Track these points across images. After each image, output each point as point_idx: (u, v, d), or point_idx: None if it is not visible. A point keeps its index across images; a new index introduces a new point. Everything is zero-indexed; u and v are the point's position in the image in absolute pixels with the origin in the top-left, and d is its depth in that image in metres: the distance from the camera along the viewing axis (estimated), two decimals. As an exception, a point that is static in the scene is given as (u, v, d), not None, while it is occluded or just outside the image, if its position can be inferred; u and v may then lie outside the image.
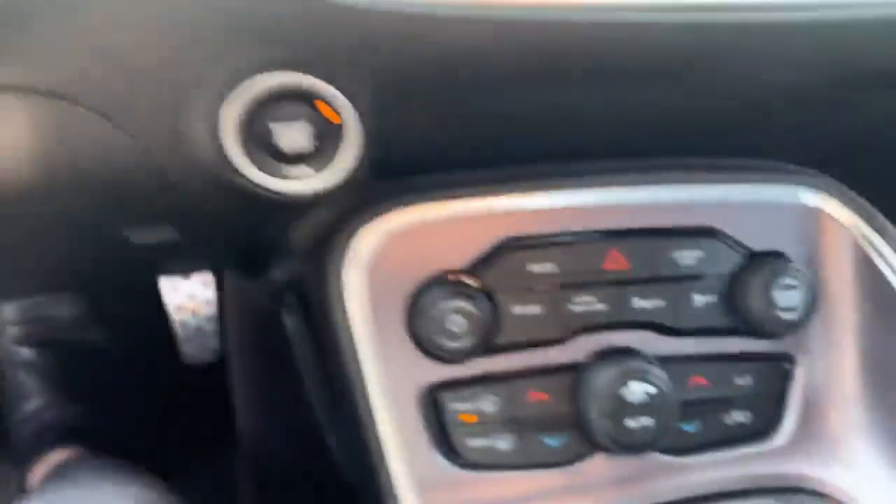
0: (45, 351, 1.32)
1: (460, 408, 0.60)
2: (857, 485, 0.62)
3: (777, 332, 0.61)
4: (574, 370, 0.61)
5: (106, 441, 1.31)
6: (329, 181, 0.51)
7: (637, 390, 0.58)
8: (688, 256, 0.62)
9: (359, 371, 0.59)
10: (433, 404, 0.60)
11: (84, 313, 1.37)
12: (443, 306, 0.57)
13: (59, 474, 1.13)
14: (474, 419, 0.60)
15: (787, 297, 0.61)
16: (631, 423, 0.58)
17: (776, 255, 0.62)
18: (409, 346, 0.58)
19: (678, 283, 0.62)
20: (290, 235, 0.65)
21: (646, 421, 0.58)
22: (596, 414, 0.58)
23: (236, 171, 0.50)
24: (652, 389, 0.58)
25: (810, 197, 0.63)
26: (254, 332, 1.10)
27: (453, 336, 0.57)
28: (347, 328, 0.59)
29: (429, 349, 0.57)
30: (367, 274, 0.58)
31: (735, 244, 0.62)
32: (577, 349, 0.61)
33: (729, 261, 0.62)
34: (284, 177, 0.51)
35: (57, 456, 1.20)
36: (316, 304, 0.62)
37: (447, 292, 0.57)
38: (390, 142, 0.52)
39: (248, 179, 0.50)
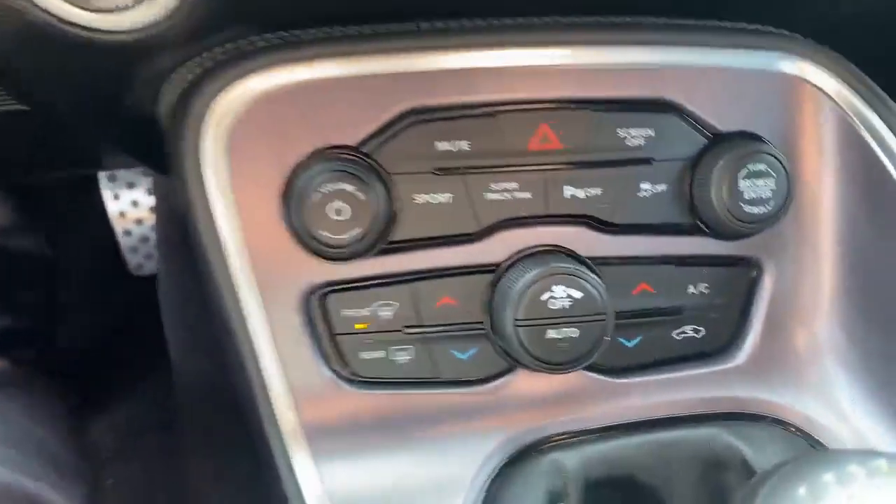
0: (-26, 257, 1.22)
1: (351, 314, 0.50)
2: (825, 414, 0.52)
3: (742, 230, 0.50)
4: (489, 272, 0.50)
5: (38, 353, 1.24)
6: (151, 13, 0.39)
7: (562, 295, 0.47)
8: (635, 135, 0.50)
9: (224, 268, 0.48)
10: (320, 309, 0.50)
11: (13, 218, 1.27)
12: (324, 189, 0.46)
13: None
14: (367, 327, 0.50)
15: (757, 187, 0.49)
16: (553, 333, 0.48)
17: (745, 136, 0.50)
18: (286, 238, 0.47)
19: (622, 168, 0.50)
20: (158, 106, 0.54)
21: (571, 332, 0.48)
22: (511, 323, 0.48)
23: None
24: (579, 294, 0.47)
25: (788, 63, 0.50)
26: (175, 238, 1.00)
27: (337, 227, 0.46)
28: (208, 215, 0.48)
29: (309, 243, 0.47)
30: (230, 147, 0.47)
31: (695, 121, 0.50)
32: (494, 247, 0.50)
33: (687, 142, 0.50)
34: (95, 7, 0.39)
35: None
36: (178, 189, 0.51)
37: (330, 172, 0.46)
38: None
39: (45, 11, 0.38)
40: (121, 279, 1.43)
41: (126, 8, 0.39)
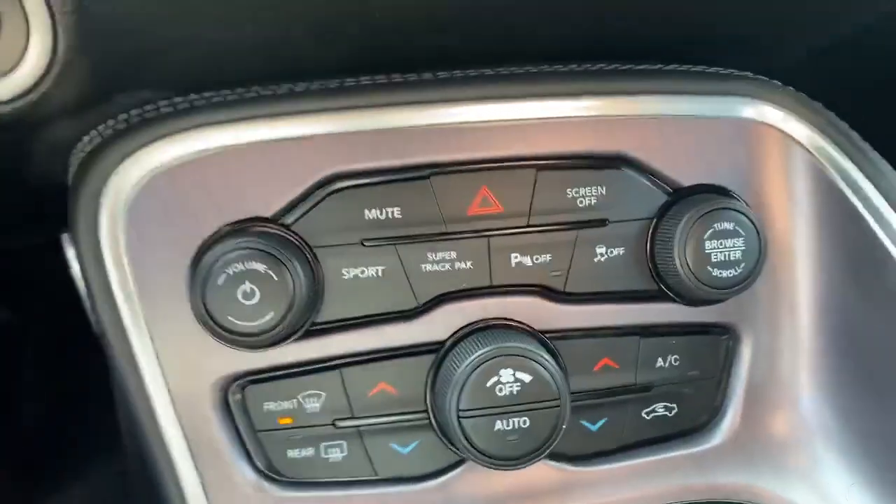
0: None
1: (273, 407, 0.44)
2: (814, 500, 0.46)
3: (711, 296, 0.45)
4: (431, 352, 0.45)
5: (4, 427, 1.17)
6: (16, 84, 0.34)
7: (509, 380, 0.42)
8: (586, 195, 0.45)
9: (129, 358, 0.43)
10: (239, 403, 0.44)
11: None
12: (231, 270, 0.40)
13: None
14: (293, 422, 0.44)
15: (725, 249, 0.44)
16: (501, 425, 0.42)
17: (709, 190, 0.45)
18: (193, 325, 0.42)
19: (573, 232, 0.45)
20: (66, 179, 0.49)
21: (522, 422, 0.42)
22: (455, 413, 0.42)
23: None
24: (528, 377, 0.41)
25: (750, 108, 0.45)
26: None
27: (247, 312, 0.41)
28: (109, 299, 0.43)
29: (216, 332, 0.41)
30: (130, 224, 0.41)
31: (654, 176, 0.45)
32: (435, 324, 0.44)
33: (644, 199, 0.45)
34: (-49, 82, 0.34)
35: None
36: (81, 272, 0.45)
37: (238, 251, 0.41)
38: (106, 21, 0.34)
39: None
40: (86, 343, 1.37)
41: (-14, 80, 0.34)
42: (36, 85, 0.35)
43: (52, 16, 0.33)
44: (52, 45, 0.34)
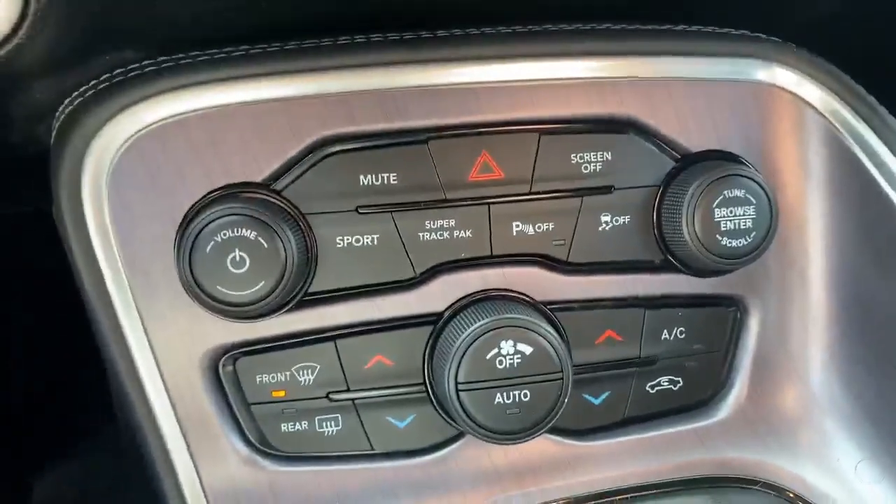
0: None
1: (266, 380, 0.42)
2: (824, 478, 0.44)
3: (720, 266, 0.43)
4: (429, 323, 0.43)
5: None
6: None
7: (510, 352, 0.40)
8: (592, 160, 0.43)
9: (116, 331, 0.41)
10: (231, 375, 0.42)
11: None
12: (221, 237, 0.39)
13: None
14: (286, 394, 0.43)
15: (735, 217, 0.42)
16: (501, 398, 0.40)
17: (719, 156, 0.44)
18: (181, 295, 0.40)
19: (577, 199, 0.43)
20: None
21: (523, 395, 0.40)
22: (453, 386, 0.40)
23: None
24: (529, 349, 0.40)
25: (763, 70, 0.43)
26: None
27: (237, 281, 0.39)
28: (93, 267, 0.41)
29: (204, 301, 0.39)
30: (113, 188, 0.39)
31: (660, 141, 0.43)
32: (433, 294, 0.43)
33: (652, 165, 0.43)
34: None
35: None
36: (62, 237, 0.44)
37: (228, 216, 0.39)
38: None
39: None
40: (78, 322, 1.35)
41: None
42: (6, 38, 0.33)
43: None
44: (25, -4, 0.32)
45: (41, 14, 0.33)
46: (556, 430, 0.45)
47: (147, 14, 0.36)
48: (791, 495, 0.45)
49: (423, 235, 0.42)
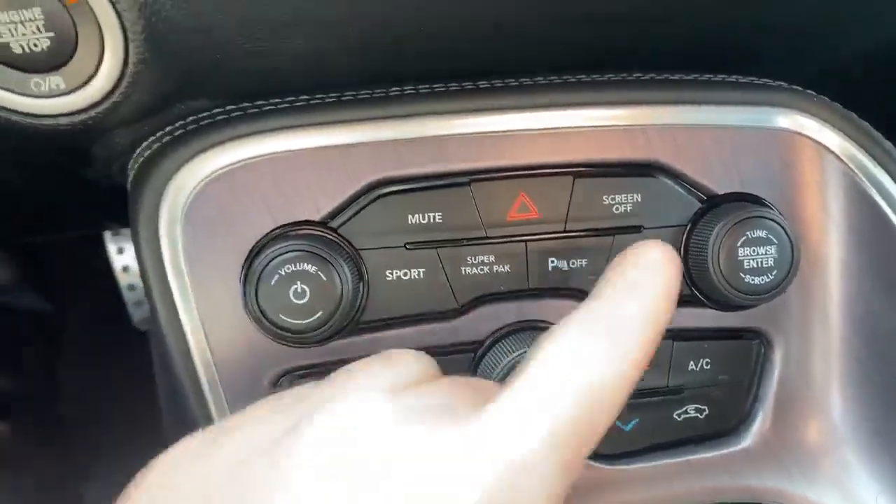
0: (-24, 318, 1.21)
1: (320, 402, 0.46)
2: (844, 505, 0.47)
3: (744, 301, 0.46)
4: (470, 351, 0.46)
5: (40, 415, 1.21)
6: (89, 95, 0.37)
7: (546, 380, 0.43)
8: (622, 202, 0.46)
9: (185, 353, 0.45)
10: (287, 397, 0.46)
11: (16, 276, 1.26)
12: (283, 271, 0.43)
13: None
14: (338, 416, 0.46)
15: (757, 256, 0.45)
16: (538, 423, 0.43)
17: (743, 199, 0.47)
18: (247, 323, 0.44)
19: (609, 238, 0.46)
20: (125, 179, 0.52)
21: (558, 420, 0.43)
22: (493, 411, 0.44)
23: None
24: (564, 380, 0.43)
25: (785, 118, 0.46)
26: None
27: (299, 311, 0.43)
28: (168, 297, 0.45)
29: (269, 329, 0.43)
30: (187, 226, 0.44)
31: (688, 184, 0.47)
32: (474, 324, 0.46)
33: (679, 207, 0.46)
34: (32, 94, 0.37)
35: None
36: (140, 270, 0.48)
37: (291, 252, 0.43)
38: (175, 35, 0.37)
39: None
40: (125, 335, 1.41)
41: (63, 93, 0.37)
42: (107, 96, 0.38)
43: (125, 33, 0.36)
44: (124, 60, 0.36)
45: (137, 75, 0.37)
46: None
47: (227, 74, 0.40)
48: (813, 523, 0.47)
49: (466, 270, 0.46)
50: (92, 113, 0.38)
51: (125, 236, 1.42)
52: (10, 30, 0.34)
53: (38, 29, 0.34)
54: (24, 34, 0.34)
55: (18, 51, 0.35)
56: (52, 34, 0.34)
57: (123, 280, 1.41)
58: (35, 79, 0.36)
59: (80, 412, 1.29)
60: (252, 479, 0.28)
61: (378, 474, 0.27)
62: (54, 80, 0.36)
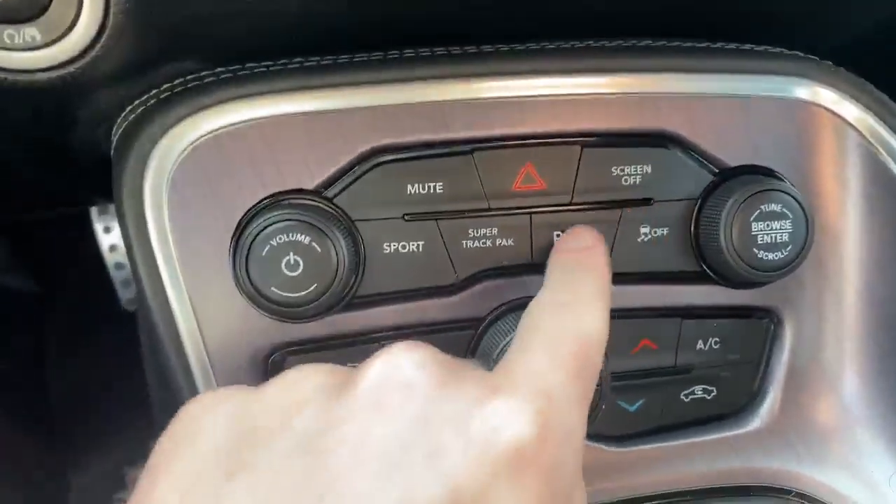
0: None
1: (313, 379, 0.44)
2: (857, 489, 0.45)
3: (755, 278, 0.44)
4: (470, 328, 0.44)
5: (28, 397, 1.19)
6: (66, 49, 0.34)
7: (550, 358, 0.41)
8: (631, 173, 0.44)
9: (172, 329, 0.43)
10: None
11: (5, 256, 1.23)
12: (277, 241, 0.41)
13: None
14: (332, 395, 0.44)
15: (772, 231, 0.43)
16: (541, 402, 0.42)
17: (757, 171, 0.45)
18: (236, 296, 0.42)
19: (617, 211, 0.44)
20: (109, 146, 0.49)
21: (562, 400, 0.42)
22: (494, 390, 0.42)
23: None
24: (569, 357, 0.41)
25: (802, 88, 0.44)
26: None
27: (292, 284, 0.41)
28: (153, 270, 0.43)
29: (259, 302, 0.41)
30: (173, 193, 0.42)
31: (700, 156, 0.45)
32: (474, 300, 0.44)
33: (690, 179, 0.44)
34: (2, 46, 0.34)
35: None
36: (123, 240, 0.46)
37: (282, 222, 0.41)
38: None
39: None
40: (113, 314, 1.39)
41: (39, 46, 0.34)
42: (87, 50, 0.35)
43: (106, -20, 0.33)
44: (104, 10, 0.34)
45: (119, 27, 0.35)
46: (591, 436, 0.46)
47: (216, 30, 0.38)
48: (822, 506, 0.45)
49: (467, 243, 0.44)
50: (71, 68, 0.35)
51: (112, 215, 1.39)
52: (-20, -26, 0.31)
53: (11, -26, 0.31)
54: (-5, -21, 0.32)
55: (-10, -2, 0.32)
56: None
57: (110, 259, 1.39)
58: (8, 30, 0.34)
59: (68, 396, 1.27)
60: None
61: (432, 422, 0.29)
62: (29, 32, 0.34)
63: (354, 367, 0.35)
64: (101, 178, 0.65)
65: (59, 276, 1.36)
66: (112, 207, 1.39)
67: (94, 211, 1.38)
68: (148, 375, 1.02)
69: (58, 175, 0.65)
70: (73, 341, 1.38)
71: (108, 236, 1.38)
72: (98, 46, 0.35)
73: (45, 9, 0.33)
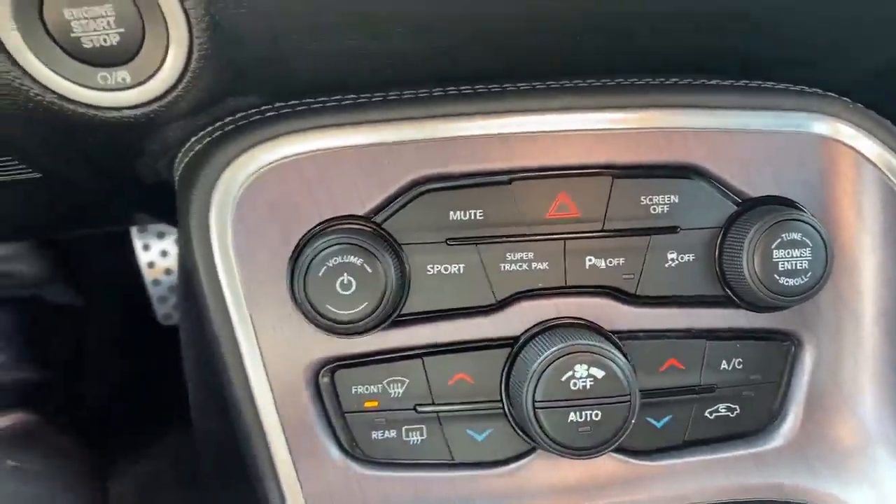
0: (2, 308, 1.24)
1: (361, 391, 0.47)
2: (875, 505, 0.48)
3: (776, 303, 0.47)
4: (507, 346, 0.47)
5: (69, 406, 1.23)
6: (153, 89, 0.38)
7: (583, 375, 0.44)
8: (659, 203, 0.47)
9: (231, 340, 0.47)
10: (329, 385, 0.47)
11: (45, 269, 1.28)
12: (331, 262, 0.44)
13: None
14: (378, 405, 0.47)
15: (792, 259, 0.46)
16: (575, 416, 0.44)
17: (778, 202, 0.47)
18: (292, 312, 0.46)
19: (646, 238, 0.47)
20: (173, 174, 0.53)
21: (594, 415, 0.44)
22: (530, 404, 0.45)
23: (28, 76, 0.37)
24: (601, 373, 0.44)
25: (822, 124, 0.47)
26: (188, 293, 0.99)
27: (344, 302, 0.44)
28: (216, 286, 0.46)
29: (315, 319, 0.45)
30: (237, 218, 0.45)
31: (724, 187, 0.47)
32: (511, 320, 0.47)
33: (715, 208, 0.47)
34: (98, 86, 0.38)
35: (4, 420, 1.12)
36: (186, 259, 0.49)
37: (337, 245, 0.44)
38: (238, 32, 0.38)
39: (48, 89, 0.38)
40: (149, 330, 1.43)
41: (127, 86, 0.38)
42: (169, 91, 0.39)
43: (190, 30, 0.37)
44: (187, 56, 0.38)
45: (198, 70, 0.39)
46: (621, 450, 0.48)
47: (281, 71, 0.42)
48: (843, 522, 0.48)
49: (504, 266, 0.47)
50: (154, 106, 0.39)
51: (151, 233, 1.44)
52: (81, 25, 0.36)
53: (109, 25, 0.36)
54: (94, 30, 0.36)
55: (88, 45, 0.36)
56: (121, 30, 0.36)
57: (148, 276, 1.44)
58: (102, 72, 0.38)
59: (105, 405, 1.31)
60: None
61: None
62: (121, 74, 0.38)
63: None
64: (152, 202, 0.69)
65: (98, 289, 1.41)
66: (151, 227, 1.44)
67: (133, 230, 1.43)
68: (190, 387, 1.05)
69: (115, 197, 0.69)
70: (110, 353, 1.42)
71: (147, 254, 1.44)
72: (180, 87, 0.39)
73: (135, 54, 0.37)
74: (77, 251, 1.39)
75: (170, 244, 1.45)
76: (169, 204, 0.65)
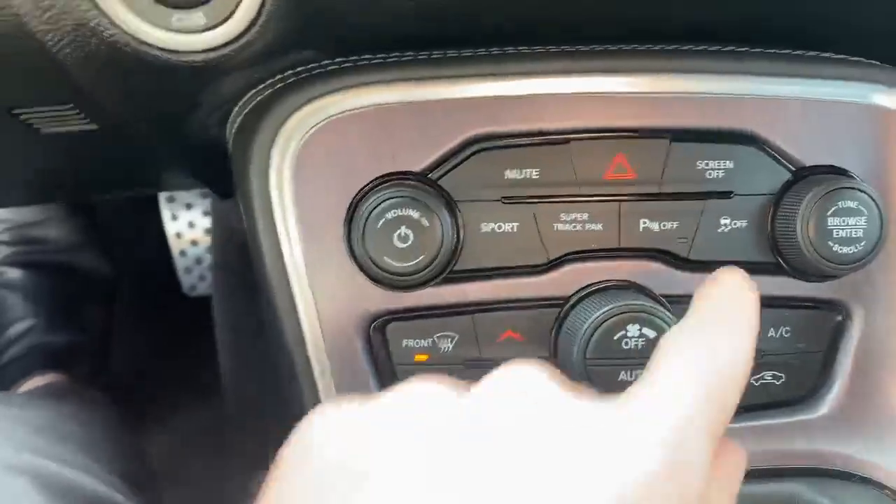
0: (35, 273, 1.26)
1: (412, 345, 0.48)
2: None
3: (829, 271, 0.47)
4: (556, 306, 0.48)
5: (95, 369, 1.25)
6: (227, 32, 0.39)
7: (636, 335, 0.45)
8: (715, 168, 0.47)
9: (286, 291, 0.47)
10: (380, 338, 0.48)
11: (77, 235, 1.30)
12: (389, 216, 0.45)
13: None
14: (428, 359, 0.48)
15: (847, 227, 0.46)
16: (625, 375, 0.45)
17: (833, 171, 0.47)
18: (348, 265, 0.46)
19: (700, 202, 0.47)
20: (226, 128, 0.54)
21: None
22: (581, 362, 0.45)
23: (106, 16, 0.38)
24: (653, 334, 0.44)
25: (881, 95, 0.47)
26: (232, 261, 1.00)
27: (401, 255, 0.45)
28: (273, 238, 0.47)
29: (371, 271, 0.45)
30: (297, 170, 0.46)
31: (779, 154, 0.48)
32: (562, 280, 0.48)
33: (769, 175, 0.48)
34: (173, 28, 0.39)
35: (38, 380, 1.14)
36: (243, 211, 0.50)
37: (395, 199, 0.45)
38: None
39: (122, 30, 0.38)
40: (175, 299, 1.45)
41: (202, 29, 0.39)
42: (242, 34, 0.40)
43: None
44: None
45: (271, 14, 0.39)
46: (665, 412, 0.49)
47: (348, 21, 0.42)
48: (888, 492, 0.48)
49: (558, 226, 0.47)
50: (225, 51, 0.40)
51: (180, 203, 1.45)
52: (160, -35, 0.36)
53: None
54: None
55: (164, -15, 0.37)
56: (201, -27, 0.36)
57: (176, 246, 1.45)
58: (178, 14, 0.38)
59: (134, 372, 1.33)
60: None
61: (564, 440, 0.30)
62: (196, 16, 0.38)
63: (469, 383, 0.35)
64: (195, 161, 0.69)
65: (126, 257, 1.42)
66: (179, 196, 1.45)
67: (162, 199, 1.45)
68: (221, 355, 1.07)
69: (160, 155, 0.70)
70: (137, 321, 1.44)
71: (175, 223, 1.45)
72: (252, 31, 0.39)
73: (209, -6, 0.38)
74: (106, 220, 1.41)
75: (197, 215, 1.46)
76: (209, 165, 0.65)
